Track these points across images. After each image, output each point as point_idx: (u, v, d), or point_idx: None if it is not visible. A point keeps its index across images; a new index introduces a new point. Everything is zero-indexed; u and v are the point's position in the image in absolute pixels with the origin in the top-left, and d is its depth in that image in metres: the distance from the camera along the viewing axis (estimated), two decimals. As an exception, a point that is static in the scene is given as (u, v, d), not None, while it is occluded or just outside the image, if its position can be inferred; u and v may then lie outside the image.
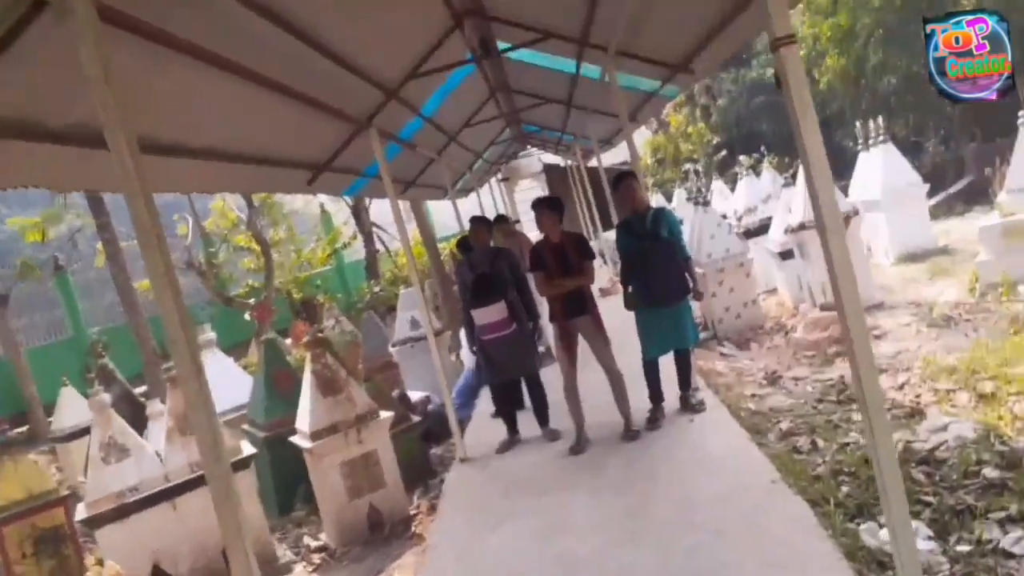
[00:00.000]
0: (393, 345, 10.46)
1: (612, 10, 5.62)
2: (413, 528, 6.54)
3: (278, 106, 4.82)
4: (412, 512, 6.86)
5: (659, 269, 5.67)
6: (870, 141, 12.43)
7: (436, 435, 9.57)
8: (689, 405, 6.02)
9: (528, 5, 6.53)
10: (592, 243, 7.34)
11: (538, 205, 5.82)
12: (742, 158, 13.21)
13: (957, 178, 17.78)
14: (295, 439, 6.76)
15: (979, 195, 16.84)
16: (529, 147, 20.96)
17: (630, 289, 5.99)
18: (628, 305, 6.01)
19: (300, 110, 5.13)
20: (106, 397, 6.37)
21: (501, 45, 7.51)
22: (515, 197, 27.30)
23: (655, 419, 5.91)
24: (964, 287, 8.67)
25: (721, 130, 26.13)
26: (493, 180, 23.18)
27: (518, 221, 27.00)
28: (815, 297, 9.18)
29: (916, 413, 5.42)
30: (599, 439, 5.97)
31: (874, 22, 18.38)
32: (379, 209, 23.65)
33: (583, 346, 5.90)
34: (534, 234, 7.30)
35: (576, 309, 5.75)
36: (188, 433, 6.21)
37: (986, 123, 19.30)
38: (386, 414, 6.81)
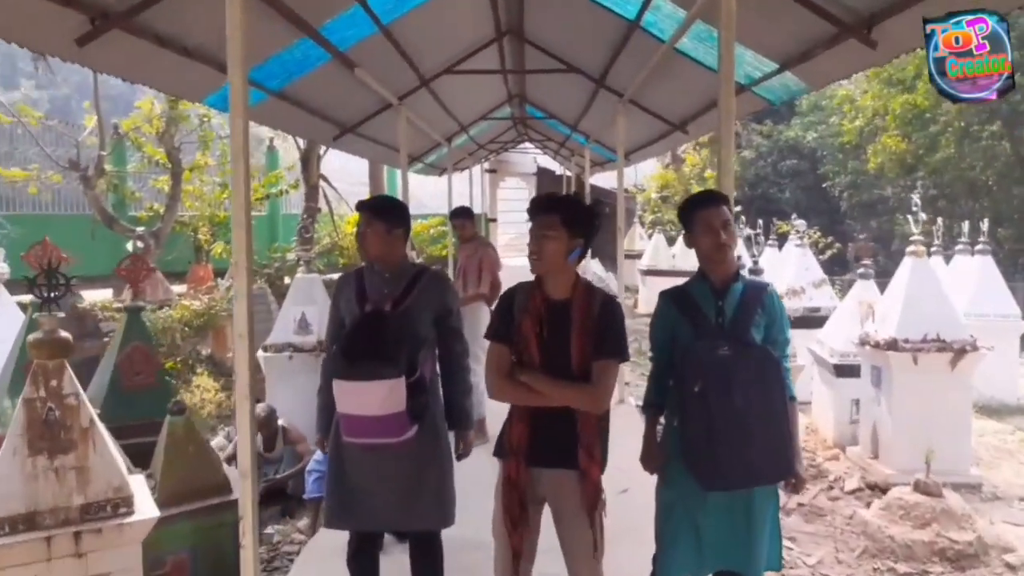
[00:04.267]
0: (264, 348, 7.21)
1: None
2: None
3: None
4: None
5: (743, 414, 2.60)
6: (958, 247, 9.57)
7: (293, 497, 6.40)
8: None
9: None
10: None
11: (545, 209, 2.65)
12: (798, 222, 10.23)
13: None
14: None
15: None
16: (528, 142, 17.82)
17: (660, 428, 2.94)
18: (650, 460, 2.94)
19: None
20: None
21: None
22: (498, 195, 24.17)
23: None
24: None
25: (738, 185, 23.31)
26: (477, 168, 19.95)
27: (494, 220, 23.91)
28: (888, 452, 6.17)
29: None
30: None
31: (956, 112, 15.63)
32: (338, 163, 20.31)
33: (546, 525, 2.78)
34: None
35: (555, 450, 2.62)
36: None
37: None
38: (146, 515, 3.65)
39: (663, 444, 2.90)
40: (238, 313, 3.16)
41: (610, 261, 21.02)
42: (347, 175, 19.36)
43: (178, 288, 14.16)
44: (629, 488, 4.91)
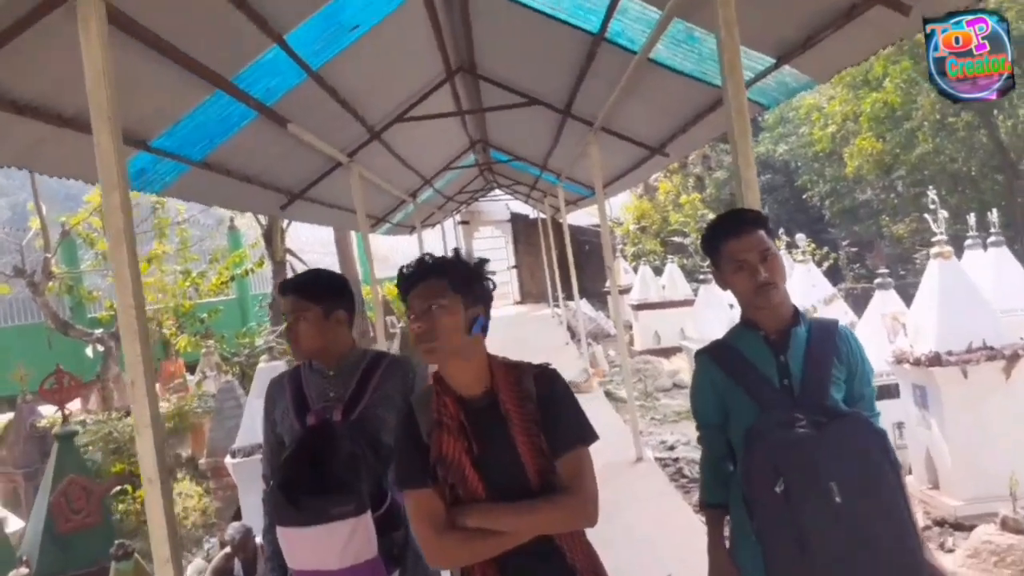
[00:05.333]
0: (233, 454, 6.38)
1: None
2: None
3: None
4: None
5: (845, 514, 1.87)
6: (967, 242, 8.93)
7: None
8: None
9: None
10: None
11: (425, 272, 1.84)
12: (798, 236, 9.59)
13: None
14: None
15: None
16: (497, 188, 17.24)
17: (728, 532, 2.22)
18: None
19: None
20: None
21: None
22: (473, 246, 23.56)
23: None
24: None
25: (714, 205, 22.80)
26: (449, 222, 19.33)
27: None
28: (950, 482, 5.43)
29: None
30: None
31: (930, 106, 15.24)
32: (307, 234, 19.62)
33: None
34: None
35: None
36: None
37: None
38: None
39: (735, 554, 2.15)
40: (143, 452, 2.38)
41: (596, 299, 20.36)
42: (319, 244, 18.61)
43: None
44: (672, 573, 4.14)
